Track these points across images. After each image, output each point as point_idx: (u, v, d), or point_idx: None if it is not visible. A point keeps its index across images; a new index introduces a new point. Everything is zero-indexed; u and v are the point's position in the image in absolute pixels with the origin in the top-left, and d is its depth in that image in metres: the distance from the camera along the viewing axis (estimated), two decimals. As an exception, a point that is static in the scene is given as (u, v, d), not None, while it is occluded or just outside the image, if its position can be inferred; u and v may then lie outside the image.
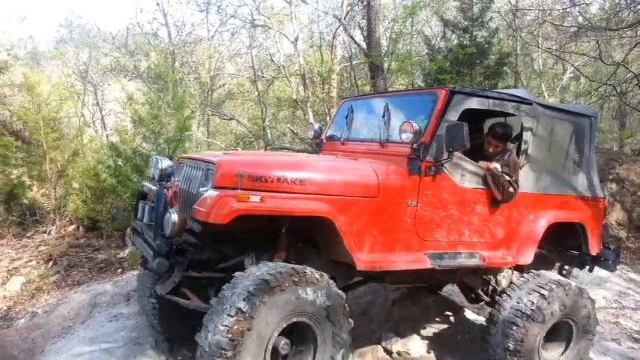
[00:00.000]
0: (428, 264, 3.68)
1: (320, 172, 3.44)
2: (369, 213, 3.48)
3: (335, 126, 4.89)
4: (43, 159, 8.92)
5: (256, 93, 14.13)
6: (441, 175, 3.72)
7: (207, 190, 3.17)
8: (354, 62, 12.07)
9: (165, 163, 3.88)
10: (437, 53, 12.00)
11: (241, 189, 3.09)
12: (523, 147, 4.24)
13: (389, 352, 4.71)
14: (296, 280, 3.01)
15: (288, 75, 13.74)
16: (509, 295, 4.19)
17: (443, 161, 3.65)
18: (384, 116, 4.06)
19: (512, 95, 4.22)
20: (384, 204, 3.55)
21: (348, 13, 12.08)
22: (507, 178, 3.99)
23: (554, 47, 14.22)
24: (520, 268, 4.49)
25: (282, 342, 3.06)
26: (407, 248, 3.66)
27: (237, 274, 3.07)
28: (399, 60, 11.42)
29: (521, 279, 4.30)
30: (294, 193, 3.21)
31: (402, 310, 5.31)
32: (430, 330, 5.16)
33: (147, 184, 4.06)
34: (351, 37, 11.39)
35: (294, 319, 3.05)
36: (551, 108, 4.46)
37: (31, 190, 9.55)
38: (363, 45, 11.32)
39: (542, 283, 4.18)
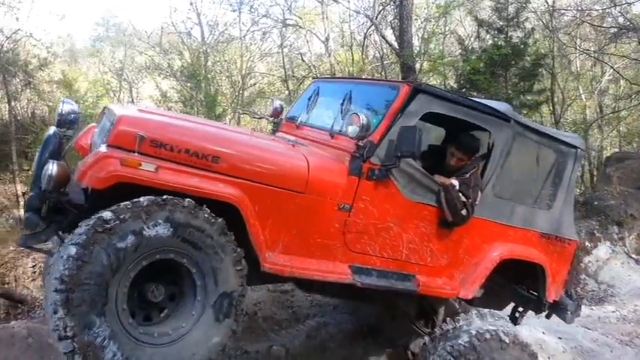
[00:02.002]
0: (348, 278, 3.20)
1: (241, 151, 2.97)
2: (291, 209, 3.04)
3: (297, 107, 4.37)
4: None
5: (287, 92, 14.18)
6: (386, 181, 3.25)
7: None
8: (385, 62, 11.98)
9: (67, 107, 3.18)
10: (470, 54, 11.83)
11: (139, 153, 2.63)
12: (490, 168, 3.68)
13: (415, 356, 4.65)
14: (137, 210, 2.48)
15: (318, 74, 13.74)
16: (436, 339, 3.69)
17: (388, 166, 3.19)
18: (342, 104, 3.63)
19: (490, 108, 3.72)
20: (311, 202, 3.09)
21: (380, 12, 12.01)
22: (463, 198, 3.47)
23: (592, 49, 13.82)
24: (469, 301, 4.04)
25: (151, 288, 2.66)
26: (329, 257, 3.20)
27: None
28: (431, 60, 11.30)
29: (452, 323, 3.76)
30: (203, 169, 2.77)
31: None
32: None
33: (53, 128, 3.44)
34: (383, 37, 11.32)
35: (155, 257, 2.58)
36: (533, 130, 3.91)
37: (68, 184, 9.82)
38: (395, 45, 11.24)
39: (475, 332, 3.59)
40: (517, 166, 3.87)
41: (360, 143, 3.17)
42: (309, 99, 4.19)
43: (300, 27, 14.28)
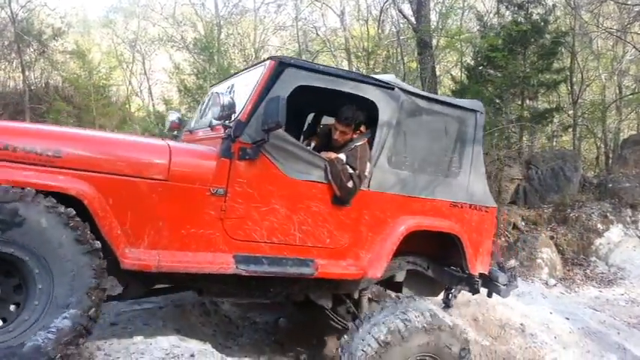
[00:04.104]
0: (230, 268, 2.99)
1: (87, 143, 2.86)
2: (154, 199, 2.86)
3: (196, 116, 4.25)
4: (92, 124, 9.22)
5: (300, 67, 13.99)
6: (262, 161, 3.10)
7: None
8: (401, 38, 11.76)
9: None
10: (489, 30, 11.58)
11: None
12: (378, 138, 3.55)
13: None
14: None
15: (332, 49, 13.57)
16: (358, 325, 3.50)
17: (258, 142, 3.04)
18: None
19: (370, 77, 3.65)
20: (176, 190, 2.91)
21: (397, -15, 11.73)
22: (350, 170, 3.34)
23: (615, 27, 13.41)
24: (397, 287, 3.97)
25: None
26: (209, 247, 3.01)
27: None
28: (449, 36, 11.06)
29: (378, 305, 3.57)
30: (45, 165, 2.65)
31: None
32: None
33: None
34: (400, 11, 11.09)
35: None
36: (421, 97, 3.80)
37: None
38: (412, 19, 11.01)
39: (399, 313, 3.41)
40: (413, 135, 3.74)
41: (227, 123, 3.05)
42: (203, 106, 4.12)
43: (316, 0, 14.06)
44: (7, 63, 12.75)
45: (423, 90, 10.13)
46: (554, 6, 11.46)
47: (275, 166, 3.17)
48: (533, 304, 6.30)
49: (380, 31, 12.32)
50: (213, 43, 12.73)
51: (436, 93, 10.26)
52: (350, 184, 3.31)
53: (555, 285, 7.59)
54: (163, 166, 2.90)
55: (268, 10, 16.00)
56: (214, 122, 3.29)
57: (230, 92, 3.55)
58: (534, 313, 5.78)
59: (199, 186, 2.98)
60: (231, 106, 3.03)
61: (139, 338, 3.06)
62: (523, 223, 8.87)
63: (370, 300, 3.79)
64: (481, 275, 3.97)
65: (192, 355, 2.93)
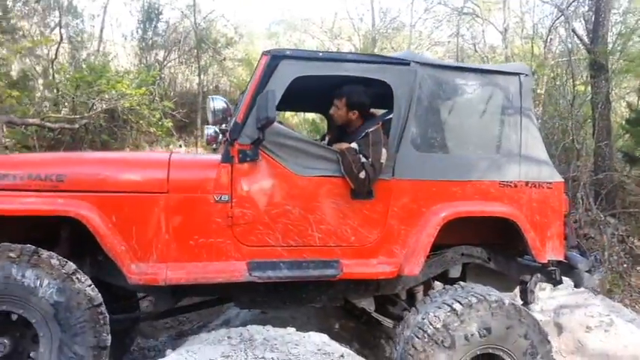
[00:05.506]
0: (242, 276, 2.92)
1: (86, 165, 2.99)
2: (156, 212, 2.89)
3: None
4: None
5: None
6: (265, 161, 3.00)
7: None
8: (572, 58, 10.87)
9: None
10: (678, 54, 10.15)
11: None
12: (395, 121, 3.23)
13: None
14: (12, 256, 2.55)
15: (490, 67, 13.00)
16: (416, 309, 3.27)
17: (255, 142, 2.94)
18: (236, 104, 3.46)
19: (378, 56, 3.34)
20: (178, 201, 2.92)
21: (571, 2, 10.86)
22: (363, 159, 3.09)
23: None
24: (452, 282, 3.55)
25: None
26: (220, 256, 2.96)
27: None
28: (629, 59, 9.91)
29: (438, 291, 3.34)
30: (51, 190, 2.78)
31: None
32: None
33: None
34: (573, 30, 10.24)
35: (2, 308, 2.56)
36: (447, 67, 3.45)
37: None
38: (585, 39, 10.09)
39: (460, 295, 3.14)
40: (442, 112, 3.42)
41: (224, 127, 3.05)
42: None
43: (477, 16, 13.64)
44: (185, 66, 14.42)
45: (593, 116, 9.23)
46: None
47: (280, 165, 3.06)
48: None
49: (546, 49, 11.50)
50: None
51: (609, 120, 9.24)
52: (362, 174, 3.09)
53: None
54: (162, 180, 2.95)
55: (425, 25, 15.88)
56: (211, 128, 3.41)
57: (243, 95, 3.57)
58: None
59: (201, 194, 2.97)
60: (224, 110, 3.10)
61: (292, 330, 3.19)
62: None
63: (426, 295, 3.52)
64: (559, 263, 3.54)
65: (341, 356, 2.96)
